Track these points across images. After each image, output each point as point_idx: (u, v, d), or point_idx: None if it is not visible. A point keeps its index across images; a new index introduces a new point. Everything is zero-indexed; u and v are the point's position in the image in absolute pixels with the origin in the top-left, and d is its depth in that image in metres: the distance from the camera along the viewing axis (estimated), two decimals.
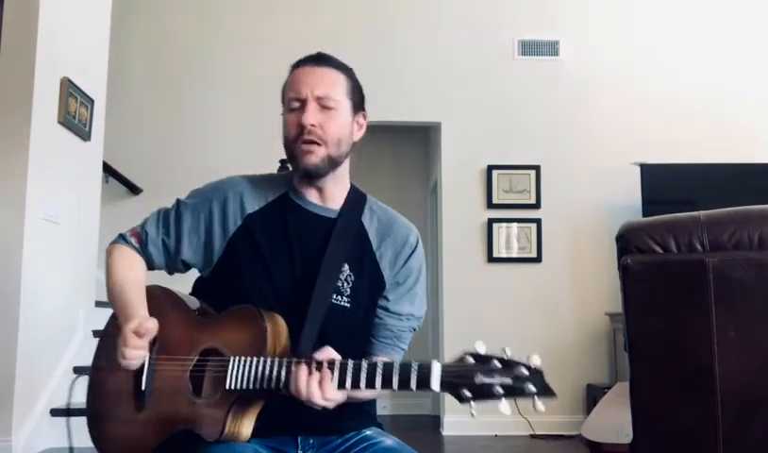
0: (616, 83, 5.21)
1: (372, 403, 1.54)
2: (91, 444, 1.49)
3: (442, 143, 5.17)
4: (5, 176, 3.36)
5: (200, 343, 1.38)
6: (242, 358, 1.30)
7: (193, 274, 1.60)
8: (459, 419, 4.83)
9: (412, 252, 1.51)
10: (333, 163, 1.44)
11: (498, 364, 1.15)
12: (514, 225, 5.06)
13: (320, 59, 1.47)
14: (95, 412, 1.48)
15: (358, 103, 1.49)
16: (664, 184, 4.77)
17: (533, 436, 4.70)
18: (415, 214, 6.09)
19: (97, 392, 1.49)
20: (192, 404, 1.34)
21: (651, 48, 5.27)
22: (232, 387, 1.29)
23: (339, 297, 1.43)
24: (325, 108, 1.41)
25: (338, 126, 1.43)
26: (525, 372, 1.15)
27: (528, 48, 5.24)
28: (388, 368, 1.21)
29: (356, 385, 1.23)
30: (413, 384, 1.19)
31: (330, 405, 1.25)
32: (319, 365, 1.24)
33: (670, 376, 1.45)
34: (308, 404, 1.25)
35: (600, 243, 4.87)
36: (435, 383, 1.16)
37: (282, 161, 4.33)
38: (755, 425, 1.39)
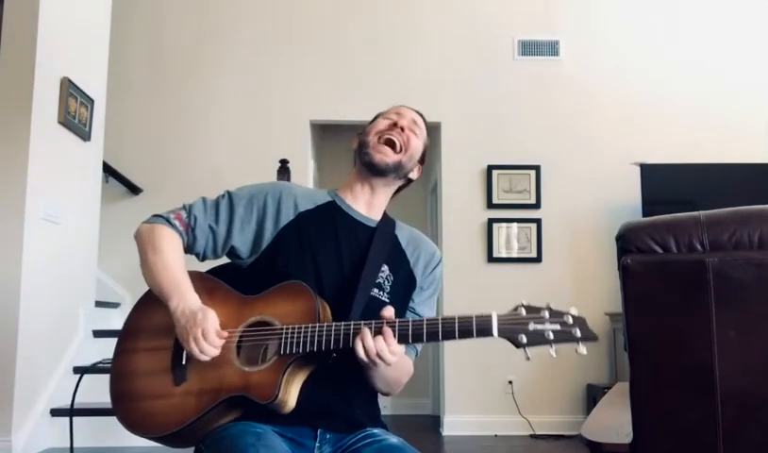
0: (616, 83, 5.21)
1: (377, 402, 1.63)
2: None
3: (442, 143, 5.17)
4: (5, 175, 3.37)
5: (246, 317, 1.46)
6: (296, 325, 1.40)
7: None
8: (459, 419, 4.84)
9: (437, 265, 1.69)
10: (397, 171, 1.63)
11: (547, 314, 1.33)
12: (514, 225, 5.06)
13: (417, 112, 1.73)
14: (125, 393, 1.49)
15: (423, 157, 1.72)
16: (664, 184, 4.77)
17: (533, 436, 4.70)
18: (415, 214, 6.09)
19: (126, 373, 1.50)
20: (241, 372, 1.40)
21: (651, 48, 5.27)
22: (287, 351, 1.38)
23: (380, 293, 1.57)
24: (412, 131, 1.66)
25: (415, 146, 1.66)
26: (571, 320, 1.32)
27: (528, 48, 5.25)
28: (448, 321, 1.37)
29: (418, 339, 1.37)
30: (475, 332, 1.34)
31: (394, 359, 1.37)
32: (379, 326, 1.37)
33: (670, 376, 1.45)
34: (370, 362, 1.36)
35: (600, 243, 4.87)
36: (495, 330, 1.33)
37: (282, 162, 4.33)
38: (755, 425, 1.39)
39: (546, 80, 5.21)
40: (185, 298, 1.44)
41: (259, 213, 1.58)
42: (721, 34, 5.30)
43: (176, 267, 1.50)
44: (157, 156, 5.10)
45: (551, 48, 5.25)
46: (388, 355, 1.35)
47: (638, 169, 4.79)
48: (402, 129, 1.63)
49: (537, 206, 5.08)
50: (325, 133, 5.86)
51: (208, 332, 1.38)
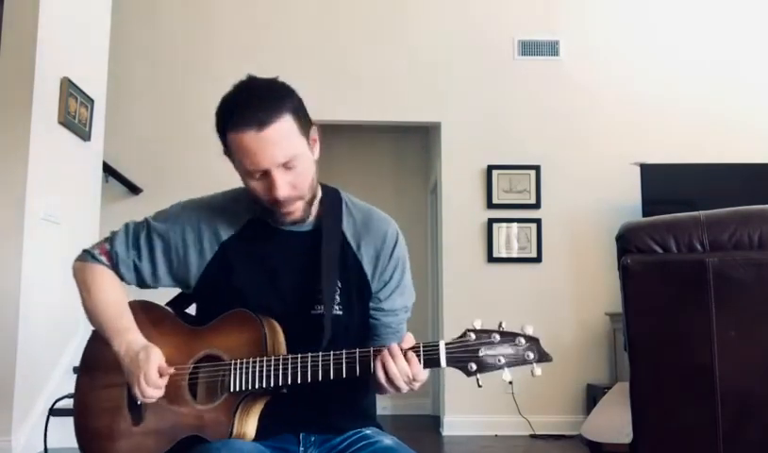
0: (616, 83, 5.21)
1: (372, 403, 1.57)
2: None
3: (442, 143, 5.17)
4: (5, 175, 3.37)
5: (195, 351, 1.41)
6: (244, 360, 1.33)
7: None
8: (459, 419, 4.83)
9: (394, 246, 1.51)
10: (312, 201, 1.45)
11: (498, 337, 1.25)
12: (514, 225, 5.06)
13: (262, 121, 1.33)
14: (88, 431, 1.47)
15: (306, 124, 1.43)
16: (664, 184, 4.77)
17: (533, 436, 4.70)
18: (415, 214, 6.09)
19: (86, 412, 1.48)
20: (194, 411, 1.37)
21: (651, 48, 5.27)
22: (237, 388, 1.32)
23: (337, 308, 1.45)
24: (290, 167, 1.36)
25: (308, 174, 1.41)
26: (524, 341, 1.25)
27: (528, 48, 5.24)
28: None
29: (351, 373, 1.29)
30: (422, 364, 1.28)
31: (404, 387, 1.30)
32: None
33: (670, 376, 1.45)
34: (392, 388, 1.29)
35: (600, 243, 4.87)
36: (443, 361, 1.26)
37: None
38: (755, 425, 1.39)
39: (546, 80, 5.21)
40: (126, 338, 1.40)
41: (181, 245, 1.48)
42: (721, 34, 5.29)
43: (114, 305, 1.46)
44: (157, 156, 5.10)
45: (551, 48, 5.24)
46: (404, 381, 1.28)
47: (638, 169, 4.78)
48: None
49: (537, 206, 5.07)
50: (325, 133, 5.83)
51: (150, 375, 1.33)
